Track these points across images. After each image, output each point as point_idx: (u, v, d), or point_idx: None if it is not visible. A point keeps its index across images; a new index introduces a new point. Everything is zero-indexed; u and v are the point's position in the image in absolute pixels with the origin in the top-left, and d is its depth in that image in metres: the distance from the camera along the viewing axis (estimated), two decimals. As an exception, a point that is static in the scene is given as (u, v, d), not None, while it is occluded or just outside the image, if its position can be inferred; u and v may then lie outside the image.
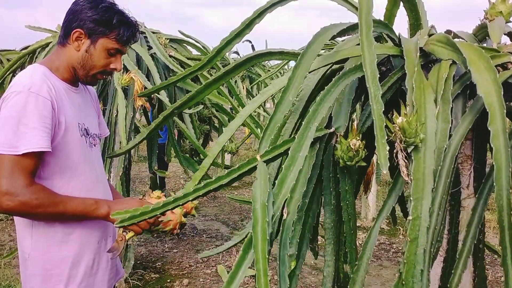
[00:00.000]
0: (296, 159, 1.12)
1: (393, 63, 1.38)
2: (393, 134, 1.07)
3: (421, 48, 1.31)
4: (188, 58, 3.12)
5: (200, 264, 4.34)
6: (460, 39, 1.59)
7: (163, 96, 2.74)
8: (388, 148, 0.97)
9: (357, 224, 5.55)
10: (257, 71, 7.30)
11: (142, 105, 2.56)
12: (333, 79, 1.21)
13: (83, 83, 1.74)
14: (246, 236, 1.59)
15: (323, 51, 1.89)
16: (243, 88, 6.84)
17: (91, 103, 1.85)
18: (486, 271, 1.67)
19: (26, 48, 4.71)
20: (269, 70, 8.16)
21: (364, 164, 1.26)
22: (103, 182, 1.77)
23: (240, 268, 1.07)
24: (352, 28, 1.30)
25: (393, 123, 1.07)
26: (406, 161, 1.08)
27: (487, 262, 4.53)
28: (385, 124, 1.01)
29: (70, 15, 1.65)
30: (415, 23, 1.38)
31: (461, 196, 1.43)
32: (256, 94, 7.37)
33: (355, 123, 1.33)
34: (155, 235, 1.71)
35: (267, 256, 1.01)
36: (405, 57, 1.21)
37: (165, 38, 3.08)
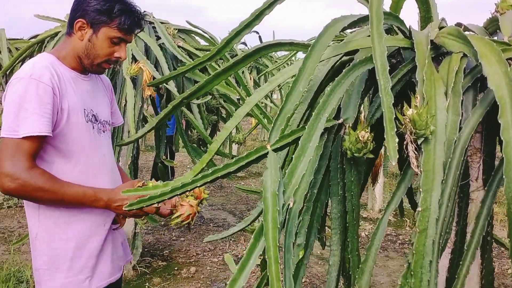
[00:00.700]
0: (306, 149, 1.13)
1: (404, 55, 1.38)
2: (403, 126, 1.08)
3: (431, 41, 1.31)
4: (196, 49, 3.12)
5: (207, 252, 4.37)
6: (471, 32, 1.59)
7: (171, 86, 2.75)
8: (397, 140, 0.98)
9: (364, 216, 5.58)
10: (264, 62, 7.28)
11: (150, 95, 2.57)
12: (344, 70, 1.21)
13: (90, 72, 1.76)
14: (251, 223, 1.61)
15: (332, 42, 1.89)
16: (250, 79, 6.84)
17: (103, 91, 1.87)
18: (492, 257, 1.68)
19: (34, 37, 4.74)
20: (276, 61, 8.14)
21: (372, 156, 1.27)
22: (111, 168, 1.79)
23: (251, 255, 1.08)
24: (362, 20, 1.29)
25: (404, 115, 1.08)
26: (416, 152, 1.08)
27: (493, 254, 4.53)
28: (394, 116, 1.01)
29: (74, 5, 1.68)
30: (426, 16, 1.38)
31: (470, 188, 1.44)
32: (262, 85, 7.36)
33: (362, 114, 1.33)
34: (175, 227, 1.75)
35: (277, 244, 1.03)
36: (415, 50, 1.21)
37: (174, 29, 3.08)
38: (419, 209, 1.07)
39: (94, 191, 1.62)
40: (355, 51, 1.37)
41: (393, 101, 1.02)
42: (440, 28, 1.50)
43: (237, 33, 1.58)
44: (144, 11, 3.36)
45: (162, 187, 1.36)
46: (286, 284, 1.11)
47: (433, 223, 1.07)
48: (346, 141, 1.25)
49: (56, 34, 3.18)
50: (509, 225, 1.02)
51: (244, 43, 7.60)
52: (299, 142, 1.13)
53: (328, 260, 1.42)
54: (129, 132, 2.62)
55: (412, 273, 1.07)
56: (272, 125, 1.19)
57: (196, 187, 1.20)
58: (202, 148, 3.56)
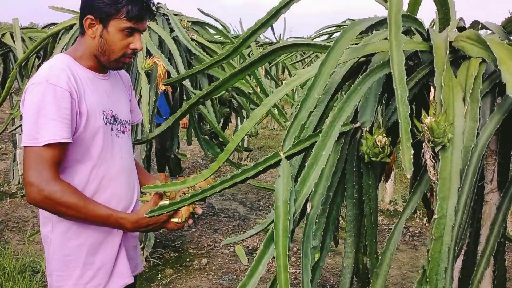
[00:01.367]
0: (319, 157, 1.13)
1: (421, 58, 1.37)
2: (421, 134, 1.08)
3: (450, 44, 1.30)
4: (209, 41, 3.12)
5: (218, 243, 4.41)
6: (488, 31, 1.57)
7: (186, 81, 2.76)
8: (412, 152, 0.98)
9: (374, 207, 5.58)
10: (276, 51, 7.26)
11: (164, 90, 2.58)
12: (360, 76, 1.21)
13: (110, 68, 1.73)
14: (267, 226, 1.63)
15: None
16: (262, 68, 6.83)
17: (123, 88, 1.84)
18: (504, 258, 1.68)
19: (47, 26, 4.75)
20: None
21: (388, 160, 1.27)
22: (129, 169, 1.77)
23: (260, 262, 1.09)
24: (380, 23, 1.29)
25: (422, 123, 1.08)
26: (433, 161, 1.08)
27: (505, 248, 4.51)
28: (410, 126, 1.01)
29: (82, 3, 1.65)
30: (445, 17, 1.37)
31: (484, 190, 1.44)
32: (274, 74, 7.31)
33: (380, 119, 1.33)
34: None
35: (287, 253, 1.04)
36: (434, 54, 1.21)
37: (187, 21, 3.08)
38: (435, 216, 1.08)
39: (116, 218, 1.59)
40: (373, 53, 1.37)
41: (409, 111, 1.02)
42: (459, 28, 1.49)
43: (253, 32, 1.58)
44: (158, 3, 3.37)
45: (180, 184, 1.38)
46: (303, 288, 1.13)
47: (449, 230, 1.08)
48: (364, 146, 1.25)
49: (71, 26, 3.19)
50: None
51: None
52: (313, 150, 1.14)
53: (342, 262, 1.43)
54: (142, 126, 2.64)
55: (427, 279, 1.08)
56: (286, 132, 1.20)
57: (215, 192, 1.21)
58: (214, 140, 3.57)
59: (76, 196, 1.54)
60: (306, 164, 1.14)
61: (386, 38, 1.34)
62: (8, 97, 4.43)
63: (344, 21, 5.16)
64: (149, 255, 3.85)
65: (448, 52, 1.21)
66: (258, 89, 3.29)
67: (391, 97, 1.40)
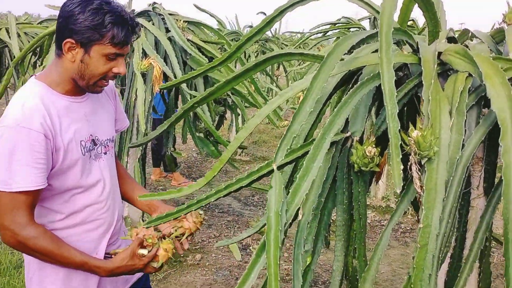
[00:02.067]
0: (310, 169, 1.18)
1: (411, 69, 1.42)
2: (408, 147, 1.12)
3: (438, 56, 1.35)
4: (205, 42, 3.15)
5: (212, 239, 4.46)
6: (477, 39, 1.62)
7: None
8: (402, 167, 1.02)
9: (367, 203, 5.63)
10: (270, 46, 7.30)
11: (160, 90, 2.62)
12: (351, 90, 1.25)
13: (88, 91, 1.62)
14: (260, 229, 1.68)
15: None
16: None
17: (106, 101, 1.76)
18: (492, 253, 1.74)
19: (43, 21, 4.76)
20: (284, 44, 8.14)
21: (377, 169, 1.32)
22: (112, 191, 1.71)
23: (252, 270, 1.14)
24: (371, 37, 1.33)
25: (409, 137, 1.12)
26: (419, 173, 1.13)
27: (493, 244, 4.60)
28: (400, 142, 1.06)
29: (60, 23, 1.51)
30: (434, 30, 1.41)
31: (471, 196, 1.49)
32: (269, 70, 7.32)
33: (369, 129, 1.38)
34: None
35: (278, 262, 1.09)
36: (422, 68, 1.25)
37: (183, 21, 3.10)
38: (420, 225, 1.13)
39: (91, 266, 1.55)
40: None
41: (399, 127, 1.06)
42: (448, 38, 1.54)
43: (248, 39, 1.63)
44: (154, 2, 3.39)
45: (176, 193, 1.42)
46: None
47: (434, 239, 1.13)
48: (354, 155, 1.30)
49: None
50: (505, 244, 1.07)
51: (251, 26, 7.61)
52: (304, 162, 1.19)
53: (332, 265, 1.49)
54: (137, 130, 2.67)
55: (412, 285, 1.13)
56: (278, 145, 1.24)
57: (210, 202, 1.26)
58: (209, 138, 3.61)
59: (51, 242, 1.50)
60: (298, 175, 1.18)
61: (376, 51, 1.39)
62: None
63: (339, 19, 5.21)
64: (144, 251, 3.89)
65: (436, 65, 1.26)
66: (253, 88, 3.33)
67: (381, 107, 1.44)
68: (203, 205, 1.27)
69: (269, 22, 1.60)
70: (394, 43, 1.54)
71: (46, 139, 1.46)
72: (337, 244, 1.47)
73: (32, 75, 1.65)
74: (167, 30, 3.09)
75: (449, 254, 1.49)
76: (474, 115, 1.28)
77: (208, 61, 2.98)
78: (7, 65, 4.74)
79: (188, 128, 3.30)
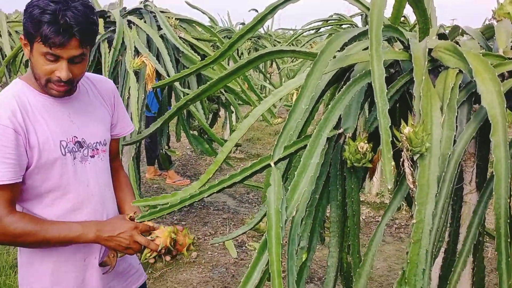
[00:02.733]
0: (308, 166, 1.19)
1: (402, 66, 1.43)
2: (400, 143, 1.13)
3: (429, 52, 1.36)
4: (197, 39, 3.14)
5: (208, 237, 4.47)
6: (468, 36, 1.63)
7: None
8: (393, 163, 1.03)
9: (361, 199, 5.66)
10: (263, 43, 7.30)
11: (153, 88, 2.61)
12: (344, 87, 1.26)
13: (47, 93, 1.53)
14: (254, 226, 1.69)
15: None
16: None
17: (101, 104, 1.71)
18: (486, 248, 1.76)
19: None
20: (277, 41, 8.14)
21: (370, 165, 1.33)
22: (99, 196, 1.64)
23: (255, 268, 1.15)
24: (362, 34, 1.34)
25: (401, 133, 1.13)
26: (411, 169, 1.14)
27: (486, 239, 4.63)
28: (390, 138, 1.06)
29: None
30: (424, 27, 1.42)
31: (464, 191, 1.50)
32: (262, 67, 7.31)
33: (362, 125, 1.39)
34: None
35: (280, 259, 1.09)
36: (413, 65, 1.26)
37: (175, 19, 3.10)
38: (413, 221, 1.14)
39: (80, 224, 1.52)
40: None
41: (390, 123, 1.07)
42: (439, 35, 1.55)
43: (240, 37, 1.64)
44: (146, 0, 3.38)
45: (171, 197, 1.42)
46: (289, 288, 1.19)
47: (427, 234, 1.14)
48: (346, 151, 1.31)
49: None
50: (497, 239, 1.08)
51: (243, 23, 7.61)
52: (301, 159, 1.19)
53: (326, 261, 1.50)
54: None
55: (406, 280, 1.14)
56: (276, 142, 1.25)
57: (204, 197, 1.26)
58: (203, 136, 3.61)
59: (32, 221, 1.48)
60: (296, 172, 1.19)
61: (367, 48, 1.39)
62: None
63: (331, 16, 5.21)
64: (139, 250, 3.89)
65: (427, 62, 1.27)
66: (246, 86, 3.33)
67: (374, 104, 1.45)
68: (197, 200, 1.27)
69: (261, 20, 1.61)
70: (385, 40, 1.56)
71: (16, 134, 1.42)
72: (331, 240, 1.48)
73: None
74: (159, 28, 3.09)
75: (443, 249, 1.51)
76: (465, 111, 1.30)
77: (200, 58, 2.98)
78: (-2, 63, 4.71)
79: (182, 126, 3.30)
